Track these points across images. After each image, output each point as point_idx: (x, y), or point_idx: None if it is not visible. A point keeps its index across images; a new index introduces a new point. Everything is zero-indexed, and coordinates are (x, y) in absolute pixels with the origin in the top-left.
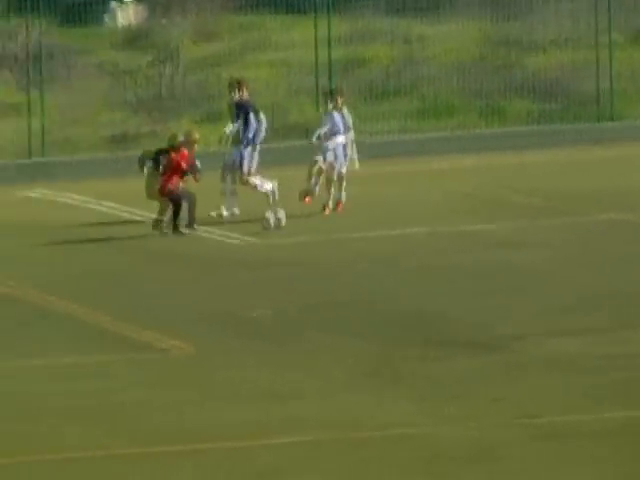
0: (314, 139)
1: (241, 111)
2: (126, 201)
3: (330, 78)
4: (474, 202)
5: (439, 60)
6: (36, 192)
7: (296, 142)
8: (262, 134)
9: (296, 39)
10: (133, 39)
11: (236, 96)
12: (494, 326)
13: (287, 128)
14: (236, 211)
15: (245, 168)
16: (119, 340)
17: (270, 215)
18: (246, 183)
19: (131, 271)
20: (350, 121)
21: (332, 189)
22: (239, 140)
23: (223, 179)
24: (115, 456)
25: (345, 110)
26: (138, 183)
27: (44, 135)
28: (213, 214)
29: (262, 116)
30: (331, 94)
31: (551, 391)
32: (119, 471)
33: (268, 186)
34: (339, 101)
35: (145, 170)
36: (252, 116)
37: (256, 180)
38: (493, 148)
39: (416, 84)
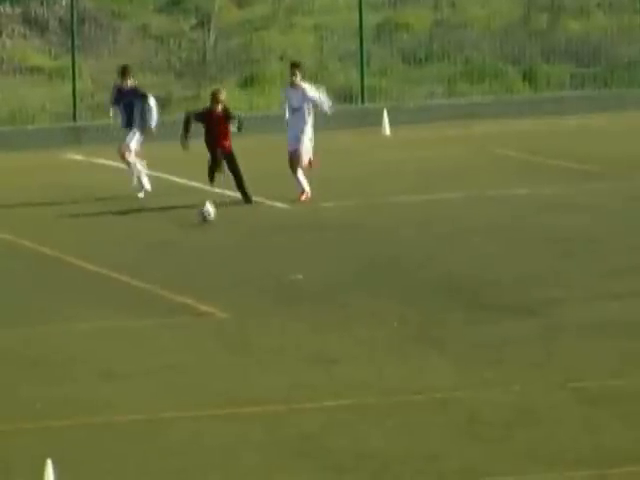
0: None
1: (127, 97)
2: (168, 166)
3: (361, 42)
4: (515, 166)
5: (482, 23)
6: (80, 156)
7: (340, 106)
8: (153, 121)
9: (340, 2)
10: (176, 3)
11: (124, 82)
12: (536, 290)
13: (331, 92)
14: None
15: (132, 146)
16: (162, 305)
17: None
18: (125, 159)
19: (175, 236)
20: (308, 98)
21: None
22: (129, 123)
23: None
24: (158, 420)
25: (304, 86)
26: (179, 148)
27: (76, 99)
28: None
29: (152, 102)
30: (293, 67)
31: (592, 355)
32: (162, 434)
33: (145, 180)
34: (298, 76)
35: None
36: (138, 102)
37: (138, 164)
38: (535, 112)
39: (458, 48)
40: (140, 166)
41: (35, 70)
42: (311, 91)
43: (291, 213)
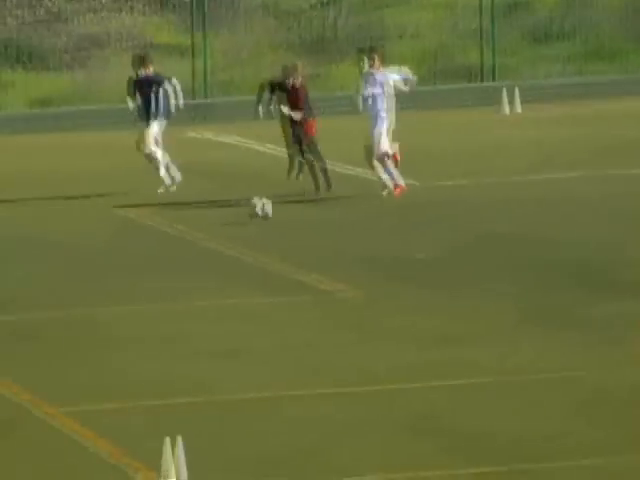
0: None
1: (146, 87)
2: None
3: (493, 21)
4: (637, 146)
5: (603, 2)
6: (199, 133)
7: (461, 85)
8: (172, 108)
9: None
10: None
11: (141, 72)
12: None
13: (452, 71)
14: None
15: (150, 139)
16: (285, 283)
17: (259, 202)
18: (149, 155)
19: (293, 214)
20: (389, 82)
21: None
22: (147, 115)
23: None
24: (280, 398)
25: (384, 71)
26: None
27: (207, 76)
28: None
29: (169, 87)
30: (369, 52)
31: None
32: (284, 412)
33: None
34: (376, 61)
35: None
36: (160, 91)
37: (158, 154)
38: None
39: (585, 26)
40: (162, 156)
41: (155, 47)
42: (392, 72)
43: (413, 191)
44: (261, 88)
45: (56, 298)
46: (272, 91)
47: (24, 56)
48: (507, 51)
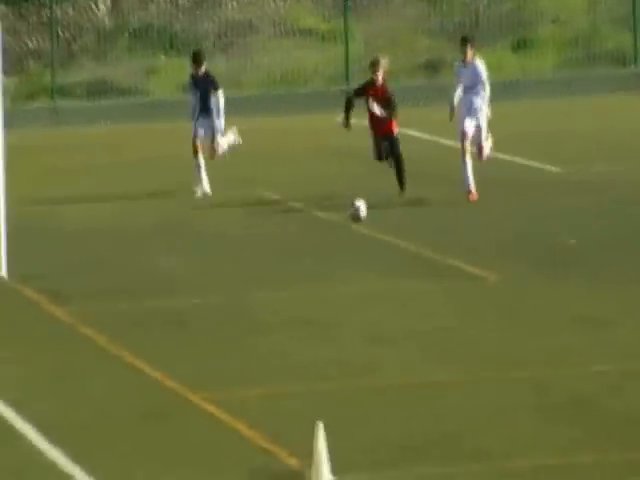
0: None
1: (203, 84)
2: (439, 129)
3: (634, 6)
4: None
5: None
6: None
7: (612, 70)
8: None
9: None
10: None
11: (201, 70)
12: None
13: (602, 55)
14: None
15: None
16: (428, 268)
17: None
18: (217, 155)
19: (438, 200)
20: (480, 78)
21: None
22: (206, 113)
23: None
24: (427, 384)
25: (475, 64)
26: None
27: (349, 62)
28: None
29: (220, 93)
30: (463, 42)
31: None
32: (430, 398)
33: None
34: (468, 53)
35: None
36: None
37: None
38: None
39: None
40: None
41: (308, 32)
42: (484, 73)
43: (561, 176)
44: (348, 102)
45: (204, 285)
46: (361, 95)
47: (175, 41)
48: None
